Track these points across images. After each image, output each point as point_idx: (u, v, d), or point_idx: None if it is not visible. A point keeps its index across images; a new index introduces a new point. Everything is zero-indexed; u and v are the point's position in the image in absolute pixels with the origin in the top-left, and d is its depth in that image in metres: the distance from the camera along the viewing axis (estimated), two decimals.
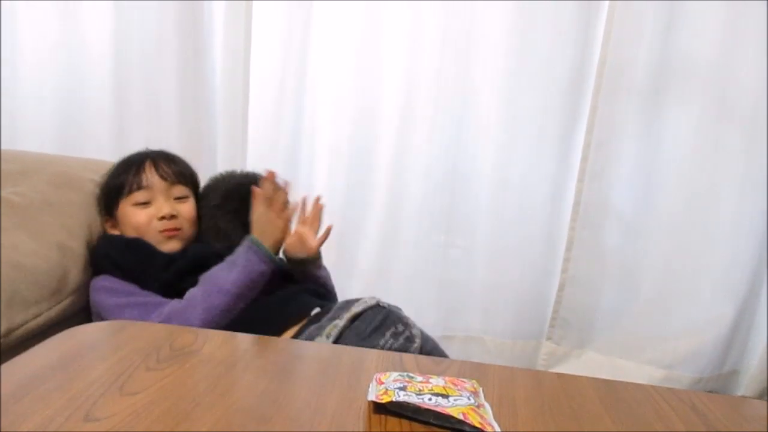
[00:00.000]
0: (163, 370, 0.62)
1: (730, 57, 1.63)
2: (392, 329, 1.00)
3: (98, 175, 1.24)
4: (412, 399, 0.55)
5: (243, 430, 0.52)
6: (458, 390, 0.58)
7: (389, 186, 1.77)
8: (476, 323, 1.86)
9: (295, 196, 1.28)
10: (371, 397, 0.57)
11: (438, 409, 0.54)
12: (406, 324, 1.02)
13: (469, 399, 0.57)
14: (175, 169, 1.20)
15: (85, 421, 0.51)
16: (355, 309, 1.02)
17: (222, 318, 1.02)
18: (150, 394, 0.56)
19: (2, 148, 1.32)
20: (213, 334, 0.75)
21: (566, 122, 1.75)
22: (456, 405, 0.55)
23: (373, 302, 1.04)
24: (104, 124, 1.64)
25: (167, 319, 1.01)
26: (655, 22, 1.64)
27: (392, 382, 0.59)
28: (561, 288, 1.84)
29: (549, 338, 1.88)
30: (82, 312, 1.11)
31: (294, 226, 1.24)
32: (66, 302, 1.06)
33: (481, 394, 0.60)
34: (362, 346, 0.91)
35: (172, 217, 1.16)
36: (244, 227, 1.12)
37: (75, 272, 1.09)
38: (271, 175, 1.07)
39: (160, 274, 1.09)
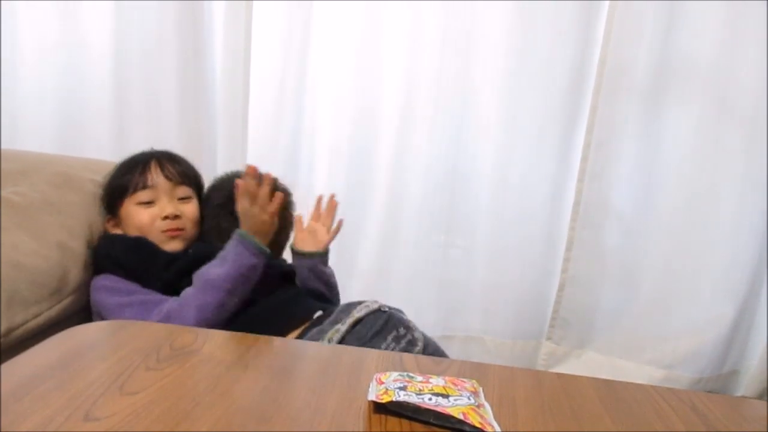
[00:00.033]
0: (163, 370, 0.62)
1: (730, 57, 1.63)
2: (394, 333, 1.00)
3: (98, 175, 1.24)
4: (412, 399, 0.55)
5: (243, 430, 0.52)
6: (458, 390, 0.58)
7: (389, 186, 1.77)
8: (476, 323, 1.86)
9: (294, 196, 1.29)
10: (371, 396, 0.57)
11: (438, 409, 0.54)
12: (408, 327, 1.02)
13: (469, 399, 0.57)
14: (179, 170, 1.20)
15: (85, 420, 0.51)
16: (357, 313, 1.02)
17: (216, 314, 1.02)
18: (150, 393, 0.56)
19: (2, 147, 1.32)
20: (213, 333, 0.75)
21: (566, 122, 1.75)
22: (456, 405, 0.55)
23: (375, 306, 1.04)
24: (104, 124, 1.64)
25: (166, 318, 1.01)
26: (655, 22, 1.64)
27: (392, 381, 0.59)
28: (561, 288, 1.84)
29: (549, 338, 1.88)
30: (82, 311, 1.11)
31: (306, 223, 1.26)
32: (66, 302, 1.06)
33: (481, 394, 0.60)
34: None
35: (176, 217, 1.16)
36: None
37: (75, 272, 1.09)
38: (252, 170, 1.06)
39: (162, 273, 1.09)
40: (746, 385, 1.79)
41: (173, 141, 1.52)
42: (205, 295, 1.02)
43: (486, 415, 0.55)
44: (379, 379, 0.61)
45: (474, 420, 0.53)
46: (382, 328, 1.00)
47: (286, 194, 1.23)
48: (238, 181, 1.07)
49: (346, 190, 1.76)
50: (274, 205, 1.07)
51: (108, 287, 1.08)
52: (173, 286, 1.07)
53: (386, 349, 0.97)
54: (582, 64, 1.71)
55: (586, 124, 1.74)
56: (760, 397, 1.74)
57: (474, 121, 1.75)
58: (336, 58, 1.70)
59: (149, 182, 1.15)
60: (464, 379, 0.62)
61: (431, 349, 1.03)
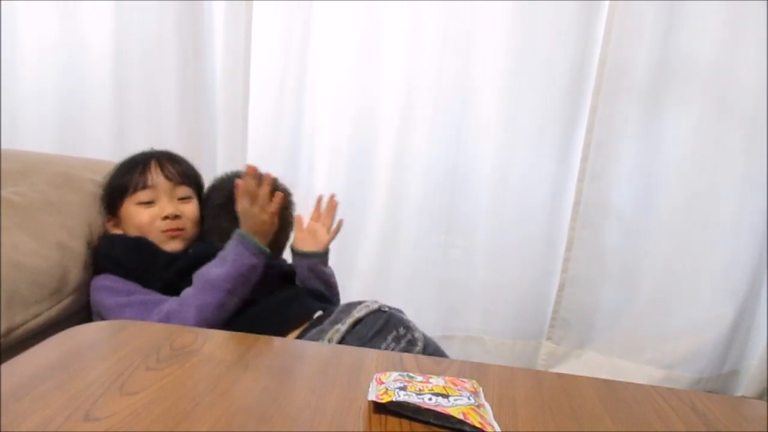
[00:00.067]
0: (163, 370, 0.62)
1: (730, 57, 1.63)
2: (393, 333, 1.00)
3: (98, 175, 1.24)
4: (412, 399, 0.55)
5: (243, 430, 0.52)
6: (458, 390, 0.58)
7: (389, 186, 1.77)
8: (476, 323, 1.86)
9: (294, 196, 1.29)
10: (371, 396, 0.57)
11: (438, 409, 0.54)
12: (408, 327, 1.02)
13: (469, 399, 0.57)
14: (179, 170, 1.20)
15: (85, 420, 0.51)
16: (357, 313, 1.02)
17: (216, 315, 1.02)
18: (150, 393, 0.56)
19: (2, 147, 1.32)
20: (213, 333, 0.75)
21: (566, 122, 1.75)
22: (456, 405, 0.55)
23: (375, 306, 1.04)
24: (104, 124, 1.64)
25: (166, 318, 1.01)
26: (655, 22, 1.64)
27: (392, 381, 0.59)
28: (561, 288, 1.84)
29: (549, 338, 1.88)
30: (82, 312, 1.11)
31: (306, 223, 1.26)
32: (66, 302, 1.06)
33: (481, 394, 0.60)
34: None
35: (176, 217, 1.16)
36: None
37: (75, 272, 1.09)
38: (252, 170, 1.06)
39: (162, 273, 1.09)
40: (746, 385, 1.79)
41: (173, 141, 1.52)
42: (205, 295, 1.02)
43: (486, 415, 0.55)
44: (379, 379, 0.61)
45: (474, 420, 0.53)
46: (382, 328, 1.00)
47: (287, 194, 1.23)
48: (238, 181, 1.08)
49: (346, 190, 1.76)
50: (274, 205, 1.07)
51: (108, 287, 1.08)
52: (173, 286, 1.07)
53: (386, 349, 0.97)
54: (582, 64, 1.70)
55: (586, 124, 1.74)
56: (760, 397, 1.74)
57: (474, 121, 1.74)
58: (336, 58, 1.70)
59: (149, 182, 1.15)
60: (464, 379, 0.62)
61: (431, 349, 1.03)
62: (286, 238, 1.26)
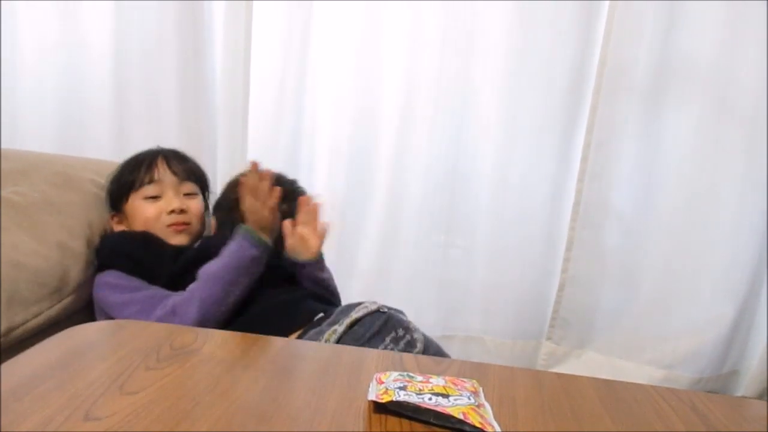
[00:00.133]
0: (163, 370, 0.62)
1: (730, 57, 1.63)
2: (392, 334, 1.00)
3: (98, 175, 1.24)
4: (412, 398, 0.55)
5: (243, 430, 0.52)
6: (458, 390, 0.58)
7: (389, 186, 1.77)
8: (476, 323, 1.86)
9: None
10: (371, 396, 0.57)
11: (438, 409, 0.54)
12: (407, 328, 1.02)
13: (469, 399, 0.57)
14: (185, 167, 1.22)
15: (85, 420, 0.51)
16: (355, 314, 1.01)
17: (218, 308, 1.02)
18: (150, 393, 0.56)
19: (2, 147, 1.32)
20: (213, 333, 0.75)
21: (566, 122, 1.75)
22: (456, 405, 0.55)
23: (374, 307, 1.04)
24: (104, 124, 1.64)
25: (171, 312, 1.01)
26: (655, 22, 1.64)
27: (392, 381, 0.59)
28: (561, 288, 1.84)
29: (549, 338, 1.88)
30: (82, 311, 1.11)
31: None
32: (66, 301, 1.06)
33: (481, 394, 0.60)
34: None
35: (182, 211, 1.17)
36: None
37: (75, 271, 1.09)
38: (255, 167, 1.08)
39: (169, 266, 1.10)
40: (746, 385, 1.79)
41: (173, 141, 1.51)
42: (206, 288, 1.03)
43: (486, 415, 0.55)
44: (379, 378, 0.61)
45: (474, 420, 0.53)
46: (381, 329, 1.00)
47: (301, 192, 1.25)
48: (242, 178, 1.09)
49: (346, 190, 1.76)
50: (272, 199, 1.09)
51: (112, 284, 1.08)
52: (180, 280, 1.07)
53: (384, 350, 0.97)
54: (582, 64, 1.70)
55: (586, 124, 1.74)
56: (760, 397, 1.74)
57: (474, 121, 1.74)
58: (336, 58, 1.70)
59: (156, 177, 1.17)
60: (464, 379, 0.62)
61: (432, 351, 1.02)
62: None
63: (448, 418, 0.53)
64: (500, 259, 1.81)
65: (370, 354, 0.75)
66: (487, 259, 1.82)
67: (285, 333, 1.04)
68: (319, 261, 1.21)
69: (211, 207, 1.32)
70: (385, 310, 1.05)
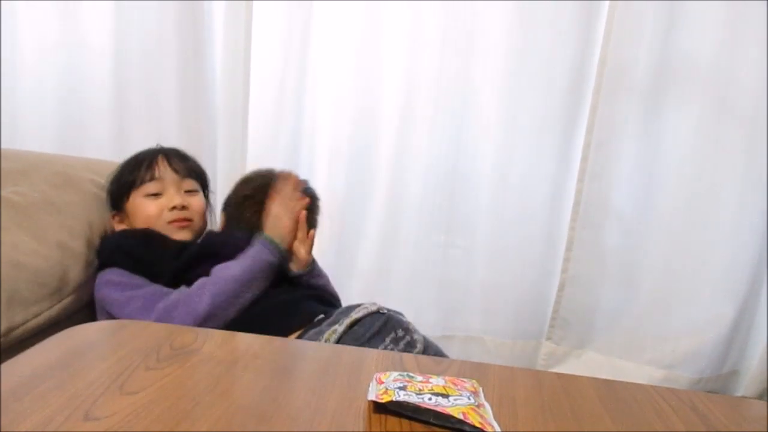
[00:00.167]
0: (163, 370, 0.62)
1: (730, 57, 1.63)
2: (392, 334, 1.00)
3: (98, 175, 1.24)
4: (412, 398, 0.55)
5: (243, 430, 0.52)
6: (458, 390, 0.58)
7: (389, 186, 1.77)
8: (476, 323, 1.86)
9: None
10: (371, 396, 0.57)
11: (438, 409, 0.54)
12: (407, 329, 1.02)
13: (469, 399, 0.56)
14: (186, 164, 1.23)
15: (85, 420, 0.51)
16: (355, 315, 1.02)
17: (228, 306, 1.04)
18: (150, 393, 0.56)
19: (2, 147, 1.32)
20: (213, 333, 0.75)
21: (566, 122, 1.75)
22: (456, 405, 0.55)
23: (374, 308, 1.04)
24: (104, 124, 1.64)
25: (173, 305, 1.01)
26: (655, 22, 1.64)
27: (392, 381, 0.59)
28: (561, 288, 1.83)
29: (549, 338, 1.88)
30: (82, 311, 1.11)
31: None
32: (66, 301, 1.06)
33: (481, 394, 0.60)
34: None
35: (183, 208, 1.18)
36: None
37: (75, 271, 1.09)
38: (290, 177, 1.15)
39: (172, 261, 1.10)
40: (746, 385, 1.79)
41: (173, 141, 1.51)
42: (221, 285, 1.04)
43: (486, 415, 0.55)
44: (379, 378, 0.61)
45: (474, 420, 0.53)
46: (380, 330, 1.00)
47: (315, 199, 1.27)
48: (277, 189, 1.14)
49: (346, 190, 1.76)
50: (299, 207, 1.14)
51: (114, 281, 1.08)
52: (183, 276, 1.08)
53: (384, 350, 0.97)
54: (582, 64, 1.70)
55: (586, 124, 1.74)
56: (760, 397, 1.74)
57: (474, 121, 1.74)
58: (336, 58, 1.70)
59: (157, 174, 1.18)
60: (464, 379, 0.62)
61: (432, 352, 1.02)
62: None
63: (448, 418, 0.53)
64: (500, 259, 1.81)
65: (370, 354, 0.75)
66: (487, 259, 1.82)
67: (285, 333, 1.04)
68: (311, 270, 1.21)
69: (212, 205, 1.32)
70: (385, 311, 1.05)
